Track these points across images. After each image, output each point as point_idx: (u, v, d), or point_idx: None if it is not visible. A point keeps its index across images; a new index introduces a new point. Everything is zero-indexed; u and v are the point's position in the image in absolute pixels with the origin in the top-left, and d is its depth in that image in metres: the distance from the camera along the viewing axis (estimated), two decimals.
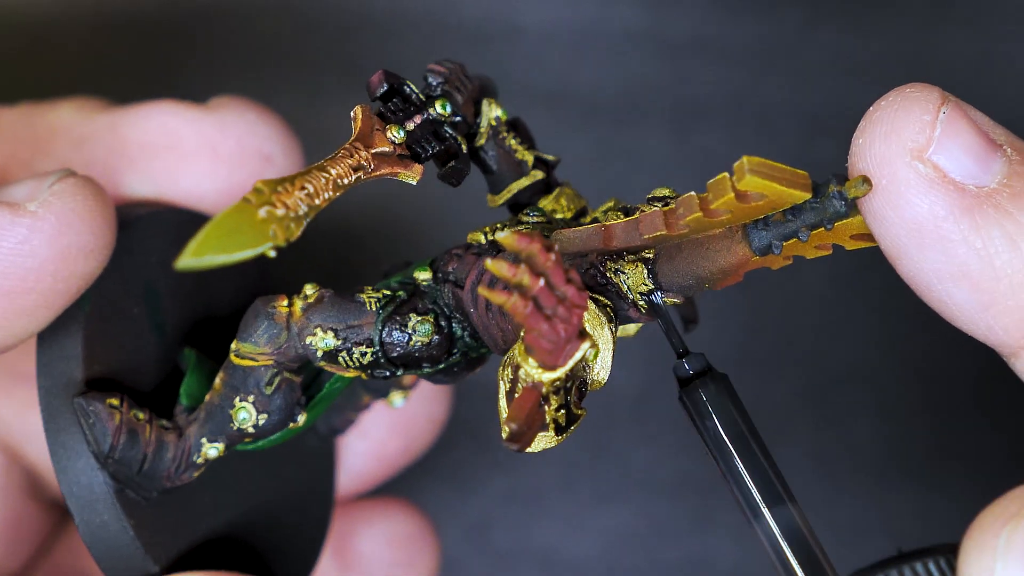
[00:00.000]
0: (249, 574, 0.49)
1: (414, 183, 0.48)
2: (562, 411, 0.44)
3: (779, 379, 0.72)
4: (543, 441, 0.44)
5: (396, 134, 0.47)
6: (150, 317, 0.52)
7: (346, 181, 0.45)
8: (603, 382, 0.46)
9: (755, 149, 0.48)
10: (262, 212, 0.42)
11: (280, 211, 0.43)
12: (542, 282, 0.41)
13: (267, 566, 0.53)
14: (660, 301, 0.47)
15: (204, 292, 0.54)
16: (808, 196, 0.43)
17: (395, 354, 0.48)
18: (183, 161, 0.55)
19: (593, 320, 0.46)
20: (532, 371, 0.43)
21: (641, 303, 0.47)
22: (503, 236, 0.41)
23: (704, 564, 0.72)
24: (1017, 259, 0.42)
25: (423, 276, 0.49)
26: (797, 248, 0.46)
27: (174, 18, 0.74)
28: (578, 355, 0.42)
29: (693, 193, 0.44)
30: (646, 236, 0.46)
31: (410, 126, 0.48)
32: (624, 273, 0.47)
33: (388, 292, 0.48)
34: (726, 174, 0.43)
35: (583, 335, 0.42)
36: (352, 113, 0.47)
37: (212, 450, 0.49)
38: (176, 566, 0.49)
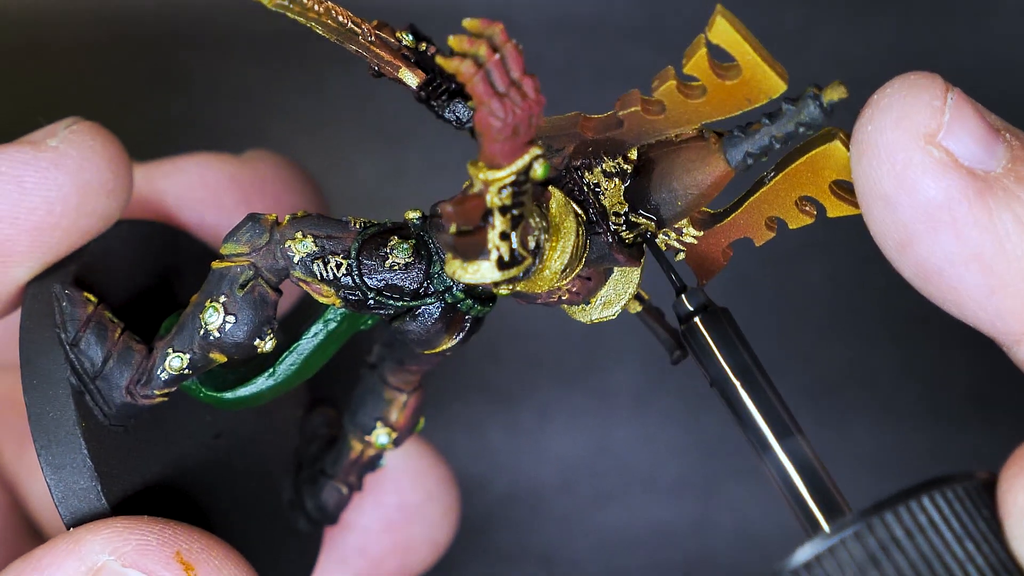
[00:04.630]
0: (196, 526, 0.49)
1: (413, 85, 0.47)
2: (506, 242, 0.43)
3: (779, 379, 0.72)
4: (481, 271, 0.43)
5: (406, 36, 0.48)
6: (137, 304, 0.52)
7: (340, 19, 0.46)
8: (558, 274, 0.46)
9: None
10: None
11: None
12: (497, 56, 0.41)
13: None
14: (651, 238, 0.47)
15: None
16: (782, 86, 0.43)
17: (369, 273, 0.48)
18: (220, 215, 0.56)
19: (561, 207, 0.46)
20: (477, 172, 0.42)
21: (624, 230, 0.47)
22: (468, 21, 0.41)
23: (704, 564, 0.72)
24: None
25: (412, 215, 0.49)
26: (777, 204, 0.46)
27: (173, 17, 0.74)
28: (526, 158, 0.42)
29: (670, 66, 0.44)
30: (621, 113, 0.45)
31: (423, 46, 0.48)
32: (601, 190, 0.47)
33: (376, 222, 0.48)
34: (701, 34, 0.43)
35: (533, 143, 0.42)
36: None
37: (176, 360, 0.48)
38: (123, 501, 0.49)
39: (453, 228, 0.42)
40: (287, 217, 0.48)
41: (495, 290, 0.46)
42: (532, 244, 0.44)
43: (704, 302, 0.47)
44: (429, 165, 0.73)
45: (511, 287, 0.46)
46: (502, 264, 0.43)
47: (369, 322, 0.51)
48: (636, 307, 0.52)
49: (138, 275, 0.52)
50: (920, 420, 0.72)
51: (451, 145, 0.62)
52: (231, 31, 0.73)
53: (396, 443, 0.55)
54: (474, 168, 0.42)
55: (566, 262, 0.46)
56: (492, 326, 0.70)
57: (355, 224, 0.48)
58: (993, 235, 0.42)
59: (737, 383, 0.46)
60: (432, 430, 0.67)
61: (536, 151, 0.42)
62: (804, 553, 0.41)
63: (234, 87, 0.73)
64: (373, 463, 0.56)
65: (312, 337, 0.50)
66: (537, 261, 0.45)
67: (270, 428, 0.57)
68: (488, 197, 0.42)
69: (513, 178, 0.42)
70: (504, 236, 0.43)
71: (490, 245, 0.43)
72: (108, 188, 0.49)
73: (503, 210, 0.43)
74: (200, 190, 0.56)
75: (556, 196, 0.46)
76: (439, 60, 0.41)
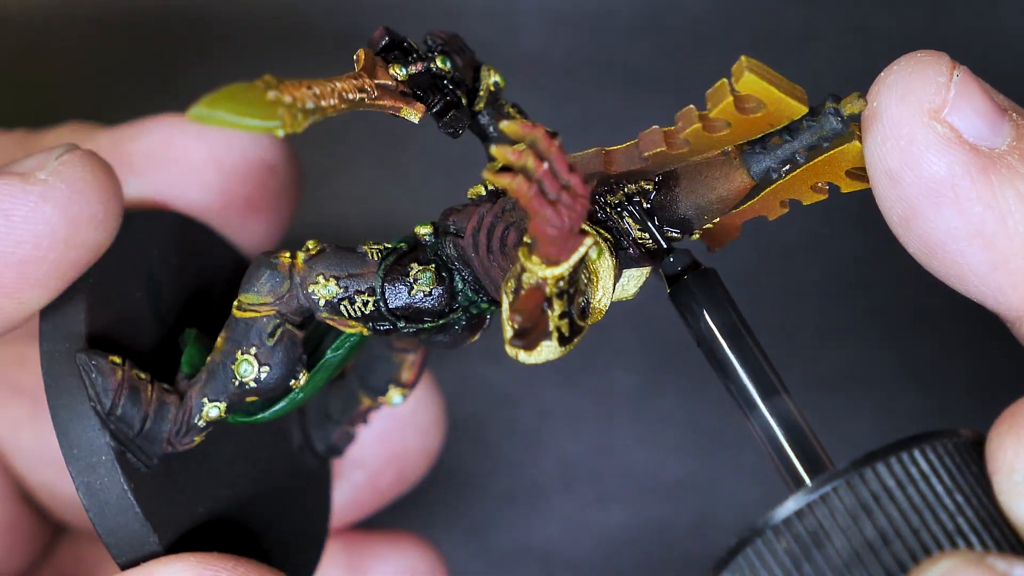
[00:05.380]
0: (248, 557, 0.49)
1: (415, 120, 0.48)
2: (565, 319, 0.44)
3: None
4: (546, 351, 0.44)
5: (399, 71, 0.48)
6: (151, 303, 0.52)
7: (351, 96, 0.46)
8: (604, 310, 0.46)
9: None
10: (271, 95, 0.44)
11: (287, 99, 0.44)
12: (546, 166, 0.41)
13: (266, 555, 0.53)
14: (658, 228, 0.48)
15: (204, 289, 0.54)
16: (805, 110, 0.44)
17: (396, 304, 0.48)
18: (188, 173, 0.56)
19: (599, 250, 0.46)
20: (535, 268, 0.43)
21: (644, 238, 0.47)
22: (506, 125, 0.41)
23: (704, 564, 0.72)
24: None
25: (424, 231, 0.49)
26: (793, 189, 0.46)
27: (173, 17, 0.74)
28: (581, 250, 0.43)
29: (692, 106, 0.45)
30: (646, 154, 0.45)
31: (412, 69, 0.48)
32: (622, 211, 0.47)
33: (389, 245, 0.49)
34: (724, 80, 0.43)
35: (585, 232, 0.42)
36: (355, 56, 0.47)
37: (213, 410, 0.49)
38: (176, 540, 0.49)
39: (515, 325, 0.43)
40: (301, 256, 0.49)
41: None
42: (582, 305, 0.45)
43: (691, 261, 0.47)
44: (429, 165, 0.73)
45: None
46: (563, 340, 0.44)
47: None
48: (632, 292, 0.52)
49: (152, 266, 0.52)
50: (920, 420, 0.72)
51: (451, 145, 0.62)
52: (231, 31, 0.73)
53: (408, 396, 0.55)
54: (529, 262, 0.43)
55: (610, 297, 0.46)
56: (492, 326, 0.70)
57: (372, 256, 0.48)
58: (996, 211, 0.43)
59: (723, 342, 0.46)
60: None
61: (590, 240, 0.43)
62: (796, 501, 0.42)
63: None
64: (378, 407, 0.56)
65: (335, 349, 0.51)
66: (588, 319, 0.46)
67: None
68: (547, 289, 0.43)
69: (572, 269, 0.43)
70: (564, 315, 0.43)
71: (551, 326, 0.44)
72: (97, 220, 0.49)
73: (560, 295, 0.43)
74: (168, 149, 0.56)
75: (585, 242, 0.45)
76: (489, 176, 0.42)
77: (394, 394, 0.55)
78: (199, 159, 0.56)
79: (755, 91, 0.43)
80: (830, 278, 0.72)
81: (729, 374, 0.46)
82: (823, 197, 0.47)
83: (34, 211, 0.48)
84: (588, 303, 0.46)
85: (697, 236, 0.49)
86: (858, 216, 0.64)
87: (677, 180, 0.47)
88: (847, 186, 0.47)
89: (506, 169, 0.43)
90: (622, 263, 0.47)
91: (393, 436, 0.61)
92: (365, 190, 0.74)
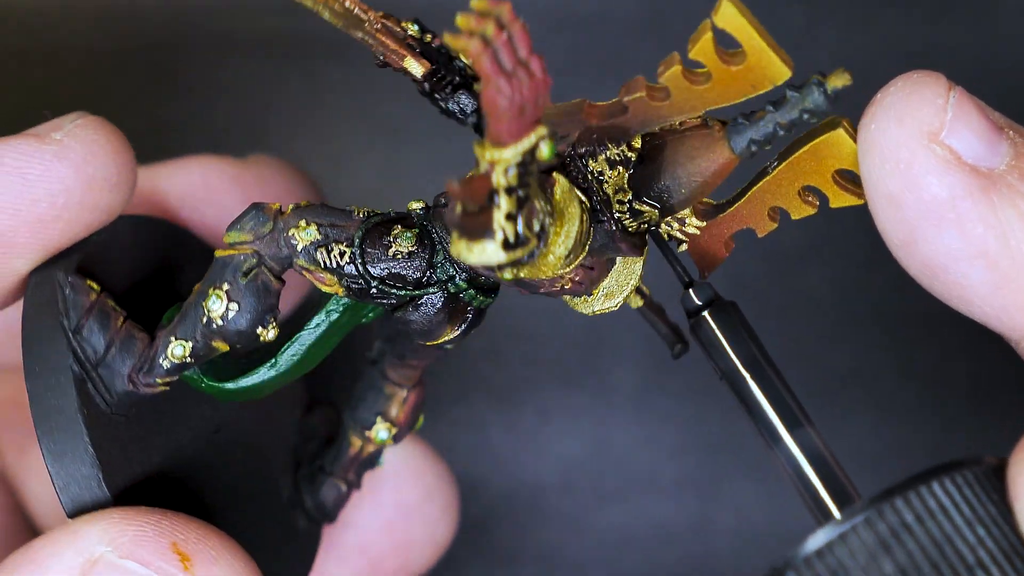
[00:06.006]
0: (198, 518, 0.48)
1: (418, 75, 0.48)
2: (511, 223, 0.43)
3: None
4: (490, 251, 0.43)
5: (411, 27, 0.48)
6: (129, 302, 0.52)
7: (348, 3, 0.46)
8: (561, 258, 0.46)
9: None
10: None
11: None
12: (505, 36, 0.41)
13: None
14: (657, 230, 0.47)
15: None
16: (788, 72, 0.43)
17: (372, 261, 0.48)
18: (222, 215, 0.56)
19: (566, 193, 0.46)
20: (483, 152, 0.42)
21: (627, 218, 0.47)
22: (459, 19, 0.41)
23: (704, 564, 0.72)
24: None
25: (416, 206, 0.49)
26: (780, 193, 0.46)
27: (174, 18, 0.74)
28: (532, 138, 0.42)
29: (675, 52, 0.45)
30: (626, 99, 0.45)
31: (429, 37, 0.48)
32: (604, 178, 0.47)
33: (380, 212, 0.49)
34: (707, 20, 0.43)
35: (539, 124, 0.42)
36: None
37: (178, 348, 0.48)
38: (123, 491, 0.48)
39: (459, 208, 0.43)
40: (291, 206, 0.48)
41: (499, 274, 0.46)
42: (537, 227, 0.45)
43: (712, 296, 0.47)
44: (429, 165, 0.73)
45: (515, 271, 0.46)
46: (507, 245, 0.43)
47: (371, 315, 0.51)
48: (638, 302, 0.52)
49: (138, 270, 0.52)
50: (920, 420, 0.72)
51: (451, 145, 0.62)
52: (231, 31, 0.73)
53: (396, 439, 0.55)
54: (480, 149, 0.43)
55: (570, 247, 0.46)
56: (493, 325, 0.70)
57: (359, 213, 0.48)
58: (997, 231, 0.43)
59: (747, 375, 0.46)
60: (432, 430, 0.67)
61: (542, 131, 0.42)
62: (816, 540, 0.41)
63: (234, 87, 0.73)
64: (372, 460, 0.56)
65: (314, 328, 0.50)
66: (541, 245, 0.45)
67: (269, 426, 0.57)
68: (494, 177, 0.43)
69: (519, 158, 0.42)
70: (510, 217, 0.43)
71: (496, 226, 0.43)
72: (112, 182, 0.49)
73: (509, 191, 0.43)
74: (202, 191, 0.56)
75: (561, 183, 0.46)
76: (446, 38, 0.41)
77: (380, 428, 0.54)
78: (233, 203, 0.56)
79: (734, 28, 0.42)
80: (831, 282, 0.72)
81: (752, 407, 0.46)
82: (812, 211, 0.47)
83: (50, 170, 0.48)
84: (544, 228, 0.45)
85: (684, 245, 0.49)
86: (858, 221, 0.64)
87: (658, 151, 0.47)
88: (836, 197, 0.46)
89: None
90: (598, 236, 0.47)
91: (400, 526, 0.61)
92: (365, 190, 0.74)
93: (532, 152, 0.43)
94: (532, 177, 0.43)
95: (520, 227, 0.43)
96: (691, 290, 0.47)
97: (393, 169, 0.74)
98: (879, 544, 0.41)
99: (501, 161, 0.42)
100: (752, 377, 0.46)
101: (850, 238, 0.70)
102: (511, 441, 0.72)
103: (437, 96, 0.48)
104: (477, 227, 0.43)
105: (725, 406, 0.71)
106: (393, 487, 0.60)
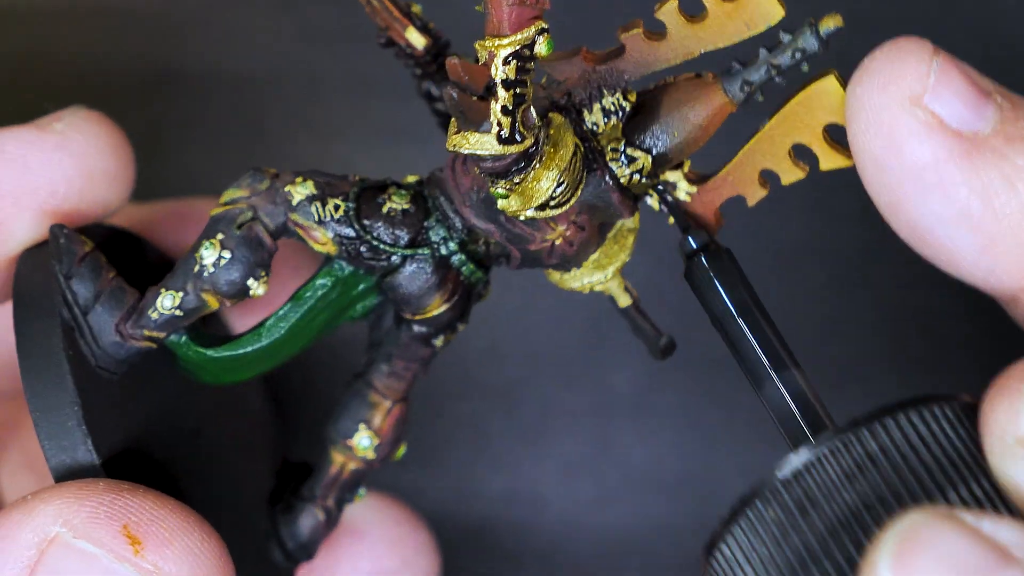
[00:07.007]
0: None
1: (419, 46, 0.49)
2: (507, 117, 0.44)
3: None
4: (484, 142, 0.45)
5: (416, 6, 0.49)
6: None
7: None
8: (553, 183, 0.46)
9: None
10: None
11: None
12: None
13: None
14: (661, 191, 0.48)
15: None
16: (782, 12, 0.45)
17: (366, 217, 0.49)
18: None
19: (561, 125, 0.47)
20: (483, 44, 0.44)
21: (620, 167, 0.47)
22: None
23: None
24: (1015, 200, 0.43)
25: (412, 179, 0.50)
26: (771, 153, 0.47)
27: (173, 18, 0.74)
28: (531, 30, 0.43)
29: None
30: (623, 36, 0.46)
31: (432, 25, 0.49)
32: (599, 129, 0.48)
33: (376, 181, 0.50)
34: None
35: (539, 19, 0.43)
36: None
37: (168, 299, 0.48)
38: (105, 452, 0.48)
39: (457, 90, 0.44)
40: (290, 173, 0.49)
41: (492, 190, 0.47)
42: (531, 135, 0.45)
43: (708, 241, 0.48)
44: (429, 165, 0.73)
45: (508, 187, 0.46)
46: (502, 139, 0.44)
47: (360, 307, 0.51)
48: (626, 300, 0.52)
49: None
50: None
51: None
52: (231, 31, 0.74)
53: (377, 452, 0.54)
54: (480, 43, 0.44)
55: (562, 177, 0.47)
56: (493, 325, 0.70)
57: (355, 178, 0.50)
58: (981, 194, 0.43)
59: (738, 318, 0.47)
60: (432, 430, 0.67)
61: (541, 24, 0.44)
62: (792, 462, 0.42)
63: (234, 87, 0.73)
64: (353, 484, 0.55)
65: (302, 301, 0.51)
66: (536, 163, 0.46)
67: (247, 454, 0.56)
68: (493, 68, 0.44)
69: (518, 48, 0.43)
70: (506, 111, 0.44)
71: (492, 118, 0.44)
72: (111, 176, 0.49)
73: (506, 84, 0.44)
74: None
75: (557, 118, 0.47)
76: None
77: (363, 435, 0.53)
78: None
79: None
80: (830, 276, 0.72)
81: (741, 349, 0.47)
82: (802, 174, 0.48)
83: (51, 159, 0.48)
84: (539, 141, 0.46)
85: (677, 189, 0.50)
86: (859, 213, 0.64)
87: (652, 102, 0.47)
88: (825, 157, 0.47)
89: None
90: (590, 184, 0.48)
91: None
92: None
93: (531, 46, 0.44)
94: (530, 76, 0.44)
95: (516, 123, 0.44)
96: (688, 235, 0.48)
97: (393, 169, 0.74)
98: (856, 467, 0.42)
99: (500, 48, 0.43)
100: (742, 319, 0.47)
101: (850, 232, 0.70)
102: (511, 441, 0.72)
103: (433, 90, 0.49)
104: (474, 111, 0.44)
105: (725, 406, 0.71)
106: (369, 553, 0.60)
